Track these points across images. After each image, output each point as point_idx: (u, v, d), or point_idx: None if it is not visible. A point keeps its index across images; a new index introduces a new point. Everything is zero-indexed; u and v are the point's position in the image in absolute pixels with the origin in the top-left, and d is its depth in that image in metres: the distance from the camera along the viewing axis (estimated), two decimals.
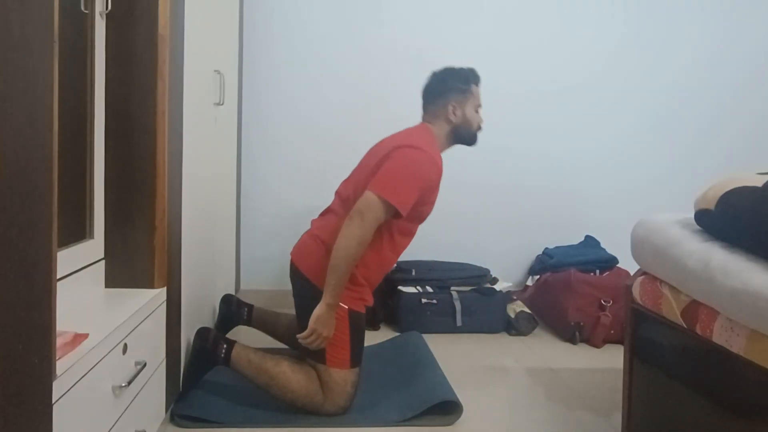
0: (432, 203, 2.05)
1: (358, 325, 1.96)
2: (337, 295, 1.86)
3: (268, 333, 2.33)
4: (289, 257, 2.07)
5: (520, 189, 3.35)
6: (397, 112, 3.24)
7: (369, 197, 1.85)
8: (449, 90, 2.09)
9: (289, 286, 2.07)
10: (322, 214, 2.12)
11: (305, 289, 1.96)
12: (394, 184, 1.87)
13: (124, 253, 1.62)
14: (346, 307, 1.93)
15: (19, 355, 0.90)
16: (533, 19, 3.30)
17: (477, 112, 2.13)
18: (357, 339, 1.95)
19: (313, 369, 1.93)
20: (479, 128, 2.14)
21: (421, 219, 2.07)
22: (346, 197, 2.01)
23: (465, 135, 2.12)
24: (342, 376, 1.90)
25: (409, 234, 2.07)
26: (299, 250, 2.05)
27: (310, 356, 1.94)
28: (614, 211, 3.34)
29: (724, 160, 3.43)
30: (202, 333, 1.95)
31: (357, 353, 1.94)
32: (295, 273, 2.03)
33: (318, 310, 1.85)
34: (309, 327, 1.85)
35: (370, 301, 2.03)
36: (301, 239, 2.08)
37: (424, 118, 2.15)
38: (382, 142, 2.09)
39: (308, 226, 2.11)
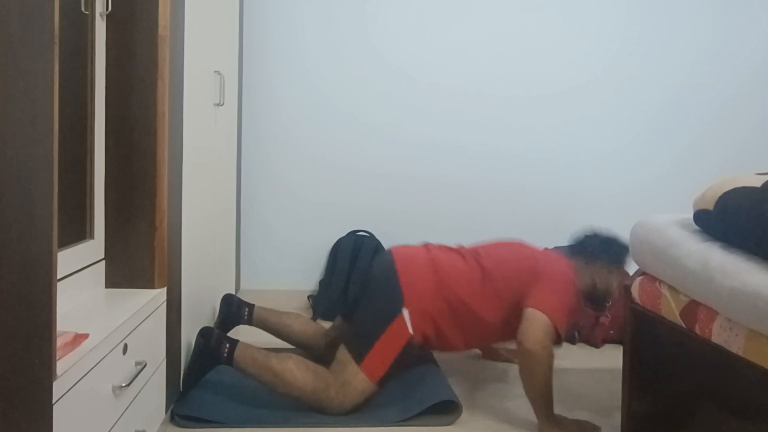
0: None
1: (409, 352, 1.96)
2: (551, 412, 1.89)
3: (270, 332, 2.33)
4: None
5: (519, 190, 3.35)
6: (397, 109, 3.26)
7: (542, 324, 1.87)
8: (610, 257, 2.13)
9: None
10: (446, 248, 2.14)
11: (390, 289, 1.96)
12: (562, 310, 1.92)
13: (125, 253, 1.63)
14: (411, 333, 1.93)
15: (19, 355, 0.91)
16: (533, 21, 3.30)
17: (617, 287, 2.16)
18: (398, 362, 1.94)
19: (321, 368, 1.92)
20: (609, 300, 2.17)
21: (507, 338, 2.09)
22: (484, 268, 2.03)
23: (597, 299, 2.15)
24: (363, 385, 1.89)
25: (486, 341, 2.14)
26: (407, 257, 2.05)
27: (350, 349, 1.92)
28: (614, 212, 3.34)
29: (724, 160, 3.44)
30: (204, 332, 1.95)
31: (389, 374, 1.94)
32: (390, 274, 2.00)
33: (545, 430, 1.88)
34: None
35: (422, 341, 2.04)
36: (414, 250, 2.09)
37: (570, 257, 2.15)
38: (532, 251, 2.12)
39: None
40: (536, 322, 1.88)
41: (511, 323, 1.96)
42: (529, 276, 1.99)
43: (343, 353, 1.93)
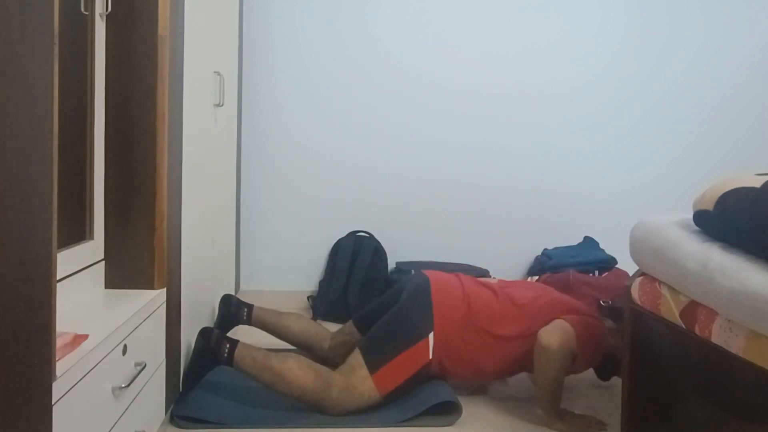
0: None
1: (422, 376, 1.98)
2: (558, 408, 1.91)
3: (269, 332, 2.33)
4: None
5: (519, 190, 3.36)
6: (397, 109, 3.26)
7: (563, 328, 1.89)
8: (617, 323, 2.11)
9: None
10: (476, 281, 2.14)
11: (421, 311, 1.98)
12: (588, 335, 1.93)
13: (124, 254, 1.62)
14: (431, 358, 1.96)
15: (19, 356, 0.90)
16: (533, 21, 3.30)
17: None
18: (410, 383, 1.96)
19: (324, 368, 1.92)
20: (616, 373, 2.13)
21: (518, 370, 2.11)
22: (521, 303, 2.03)
23: (609, 366, 2.13)
24: (369, 393, 1.90)
25: (509, 373, 2.13)
26: (442, 284, 2.07)
27: (366, 356, 1.93)
28: (613, 212, 3.34)
29: (724, 160, 3.43)
30: (205, 333, 1.95)
31: (398, 392, 1.94)
32: (425, 296, 2.02)
33: (556, 427, 1.90)
34: None
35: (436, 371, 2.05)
36: (448, 278, 2.11)
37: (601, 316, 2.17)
38: (567, 297, 2.14)
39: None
40: (559, 325, 1.90)
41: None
42: (564, 311, 2.00)
43: (356, 358, 1.94)
